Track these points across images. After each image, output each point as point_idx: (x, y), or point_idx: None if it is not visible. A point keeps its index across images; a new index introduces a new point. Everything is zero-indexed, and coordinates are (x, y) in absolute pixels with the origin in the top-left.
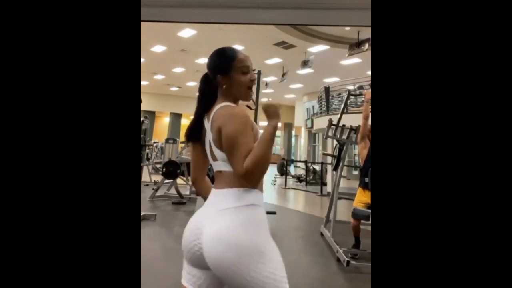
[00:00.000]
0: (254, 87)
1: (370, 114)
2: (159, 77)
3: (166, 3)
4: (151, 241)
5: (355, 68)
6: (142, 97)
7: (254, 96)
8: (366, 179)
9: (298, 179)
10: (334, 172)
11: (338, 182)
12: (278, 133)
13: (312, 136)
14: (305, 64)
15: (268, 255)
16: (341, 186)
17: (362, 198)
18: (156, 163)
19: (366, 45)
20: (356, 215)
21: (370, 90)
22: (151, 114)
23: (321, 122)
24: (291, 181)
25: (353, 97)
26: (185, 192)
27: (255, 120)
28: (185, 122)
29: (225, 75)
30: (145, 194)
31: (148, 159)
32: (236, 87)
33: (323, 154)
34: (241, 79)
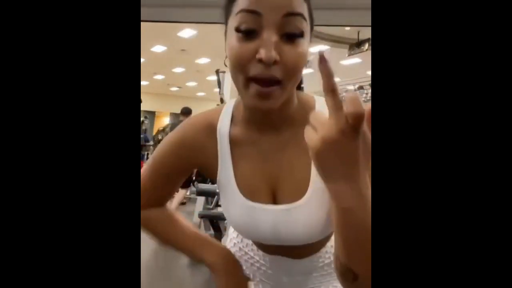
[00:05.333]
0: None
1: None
2: (159, 77)
3: (166, 3)
4: (151, 241)
5: (355, 68)
6: (142, 97)
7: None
8: None
9: None
10: None
11: None
12: None
13: None
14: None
15: None
16: None
17: None
18: None
19: (366, 45)
20: None
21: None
22: (151, 114)
23: None
24: None
25: None
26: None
27: None
28: None
29: (226, 28)
30: None
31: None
32: (229, 66)
33: None
34: (234, 49)
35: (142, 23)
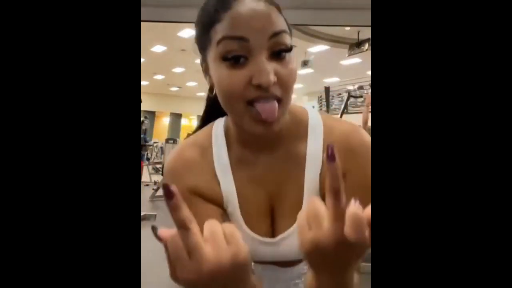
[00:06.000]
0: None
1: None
2: (159, 77)
3: (166, 3)
4: (151, 241)
5: (355, 68)
6: (142, 97)
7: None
8: None
9: None
10: None
11: None
12: None
13: None
14: (305, 64)
15: None
16: None
17: None
18: (156, 163)
19: (366, 45)
20: None
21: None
22: (151, 114)
23: None
24: None
25: (353, 97)
26: None
27: None
28: (185, 122)
29: (204, 58)
30: (145, 194)
31: (148, 159)
32: (219, 95)
33: None
34: (225, 79)
35: (142, 23)
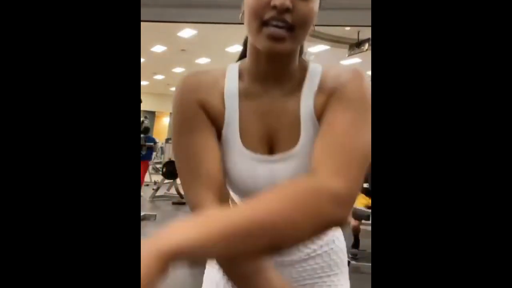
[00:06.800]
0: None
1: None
2: (159, 77)
3: (166, 3)
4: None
5: None
6: (142, 97)
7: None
8: (366, 185)
9: None
10: None
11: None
12: None
13: None
14: None
15: None
16: None
17: (363, 201)
18: (156, 163)
19: (366, 45)
20: (357, 215)
21: None
22: (151, 114)
23: None
24: None
25: None
26: None
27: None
28: None
29: None
30: (145, 194)
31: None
32: (245, 18)
33: None
34: (250, 1)
35: (142, 23)
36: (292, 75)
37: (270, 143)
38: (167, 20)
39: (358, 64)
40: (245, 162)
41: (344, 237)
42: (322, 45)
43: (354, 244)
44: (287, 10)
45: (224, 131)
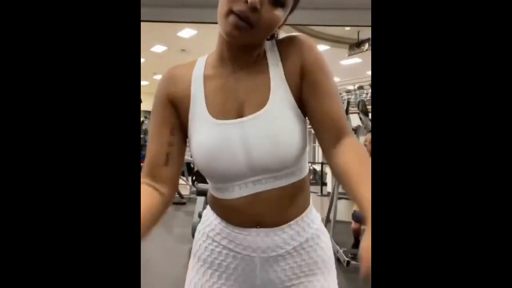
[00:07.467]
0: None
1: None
2: (159, 77)
3: (166, 3)
4: (151, 241)
5: (355, 68)
6: (142, 97)
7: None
8: None
9: None
10: None
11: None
12: None
13: (312, 136)
14: None
15: None
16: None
17: None
18: None
19: (366, 45)
20: (357, 217)
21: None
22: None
23: None
24: None
25: (352, 98)
26: (185, 192)
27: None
28: None
29: None
30: None
31: None
32: (219, 3)
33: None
34: None
35: (142, 23)
36: (256, 56)
37: (240, 113)
38: (167, 20)
39: (358, 64)
40: (215, 129)
41: (345, 237)
42: (322, 45)
43: (354, 245)
44: (254, 9)
45: (191, 109)
